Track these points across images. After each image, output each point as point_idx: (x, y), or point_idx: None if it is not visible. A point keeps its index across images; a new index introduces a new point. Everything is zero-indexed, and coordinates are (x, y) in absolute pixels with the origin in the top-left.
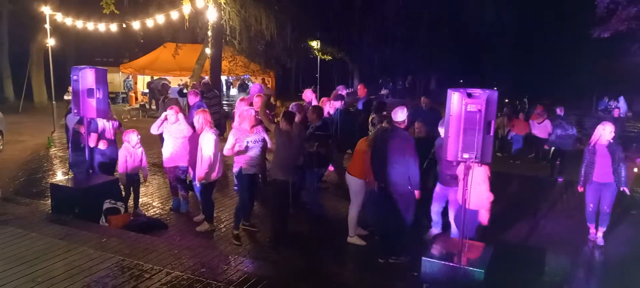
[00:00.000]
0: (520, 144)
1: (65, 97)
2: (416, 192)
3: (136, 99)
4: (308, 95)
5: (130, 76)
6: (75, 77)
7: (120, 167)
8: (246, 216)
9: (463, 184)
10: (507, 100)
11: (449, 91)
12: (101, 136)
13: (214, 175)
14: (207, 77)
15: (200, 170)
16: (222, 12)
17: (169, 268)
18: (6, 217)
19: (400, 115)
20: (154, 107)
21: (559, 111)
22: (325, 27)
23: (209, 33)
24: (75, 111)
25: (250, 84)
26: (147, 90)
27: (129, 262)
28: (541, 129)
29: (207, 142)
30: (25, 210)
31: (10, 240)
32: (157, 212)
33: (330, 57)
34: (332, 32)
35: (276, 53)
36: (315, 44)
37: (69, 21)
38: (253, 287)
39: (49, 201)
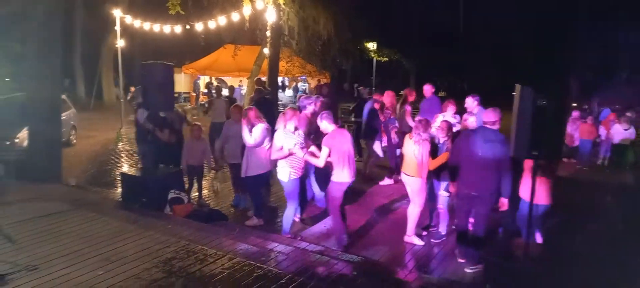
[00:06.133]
0: (588, 149)
1: (129, 97)
2: (504, 201)
3: (197, 98)
4: (388, 97)
5: (200, 77)
6: (145, 73)
7: (184, 159)
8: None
9: (530, 182)
10: (575, 105)
11: (518, 85)
12: (167, 130)
13: (262, 170)
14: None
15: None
16: (281, 12)
17: (231, 254)
18: (81, 202)
19: (492, 115)
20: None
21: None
22: (383, 28)
23: (268, 34)
24: (144, 106)
25: (305, 86)
26: (207, 90)
27: (194, 247)
28: (619, 133)
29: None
30: (97, 197)
31: (86, 222)
32: (218, 205)
33: (386, 59)
34: (390, 33)
35: (333, 54)
36: (371, 45)
37: (137, 23)
38: (311, 279)
39: (118, 190)
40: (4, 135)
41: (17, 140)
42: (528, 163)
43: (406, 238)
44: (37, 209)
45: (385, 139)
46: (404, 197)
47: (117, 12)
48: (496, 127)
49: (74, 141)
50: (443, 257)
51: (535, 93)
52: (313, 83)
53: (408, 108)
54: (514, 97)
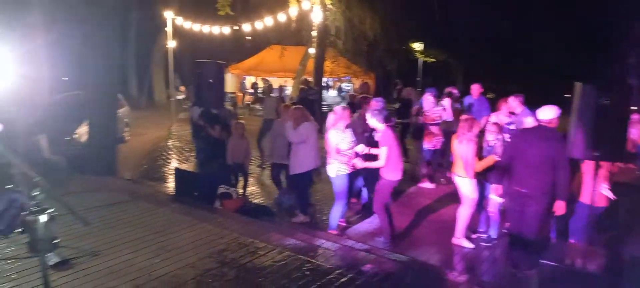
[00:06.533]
0: None
1: (178, 97)
2: (561, 204)
3: (243, 98)
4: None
5: (246, 77)
6: (198, 71)
7: (229, 156)
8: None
9: (591, 184)
10: (635, 108)
11: (578, 84)
12: (219, 126)
13: (308, 167)
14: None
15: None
16: (327, 12)
17: (280, 248)
18: (137, 195)
19: (548, 113)
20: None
21: None
22: (431, 28)
23: (314, 34)
24: (197, 103)
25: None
26: (252, 90)
27: (244, 240)
28: None
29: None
30: (152, 190)
31: (143, 213)
32: (264, 201)
33: (433, 59)
34: (437, 33)
35: (378, 54)
36: (418, 45)
37: (187, 24)
38: (359, 276)
39: (170, 184)
40: (65, 130)
41: (76, 136)
42: (587, 165)
43: (454, 241)
44: (97, 199)
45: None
46: (449, 199)
47: (168, 14)
48: (553, 125)
49: (128, 138)
50: (493, 261)
51: (598, 91)
52: (357, 83)
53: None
54: (574, 96)
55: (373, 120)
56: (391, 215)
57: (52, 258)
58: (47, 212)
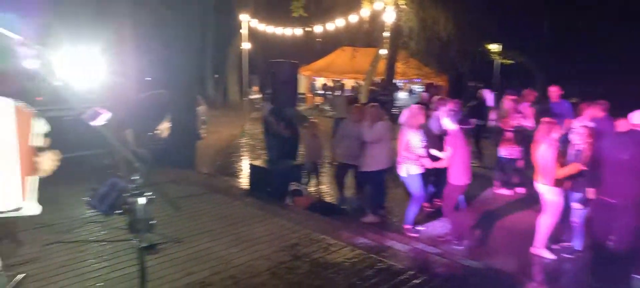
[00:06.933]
0: None
1: (251, 96)
2: None
3: (313, 99)
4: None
5: (316, 79)
6: (272, 70)
7: (305, 155)
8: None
9: None
10: None
11: None
12: (289, 125)
13: (381, 166)
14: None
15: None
16: (400, 13)
17: (352, 246)
18: (213, 188)
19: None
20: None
21: None
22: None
23: (385, 35)
24: (269, 100)
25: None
26: (322, 92)
27: (316, 236)
28: None
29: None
30: (226, 184)
31: (219, 205)
32: (334, 200)
33: (511, 61)
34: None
35: (451, 56)
36: (494, 46)
37: (261, 27)
38: (432, 279)
39: (243, 179)
40: (148, 126)
41: (158, 132)
42: None
43: (533, 250)
44: (177, 191)
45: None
46: (527, 206)
47: (244, 17)
48: None
49: (204, 135)
50: (576, 274)
51: None
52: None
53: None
54: None
55: (447, 121)
56: (462, 219)
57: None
58: (145, 195)
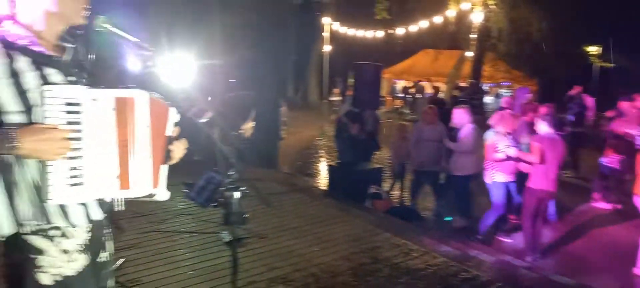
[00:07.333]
0: None
1: (332, 98)
2: None
3: (393, 102)
4: None
5: (396, 81)
6: (356, 72)
7: (392, 158)
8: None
9: None
10: None
11: None
12: (365, 127)
13: (468, 171)
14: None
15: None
16: (489, 13)
17: (435, 253)
18: (294, 187)
19: None
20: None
21: None
22: (611, 29)
23: (472, 36)
24: (350, 102)
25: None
26: (403, 95)
27: (398, 240)
28: None
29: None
30: (306, 184)
31: (300, 204)
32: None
33: (612, 64)
34: (619, 34)
35: (544, 59)
36: (593, 49)
37: (342, 29)
38: None
39: (322, 180)
40: (233, 125)
41: (241, 131)
42: None
43: (636, 271)
44: (262, 188)
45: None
46: (629, 222)
47: (326, 19)
48: None
49: (284, 135)
50: None
51: None
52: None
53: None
54: None
55: (541, 126)
56: (541, 228)
57: (227, 236)
58: (240, 189)
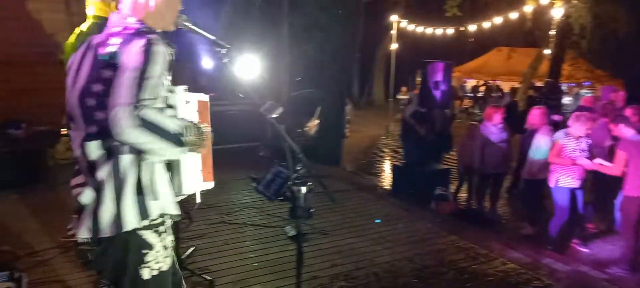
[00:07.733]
0: None
1: (399, 97)
2: None
3: (461, 101)
4: None
5: (466, 80)
6: (426, 71)
7: (459, 157)
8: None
9: None
10: None
11: None
12: (434, 127)
13: (539, 176)
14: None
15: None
16: (571, 8)
17: (504, 260)
18: (358, 185)
19: None
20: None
21: None
22: None
23: (551, 33)
24: (419, 102)
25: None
26: (472, 94)
27: (464, 244)
28: None
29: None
30: (370, 183)
31: (364, 203)
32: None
33: None
34: None
35: (631, 57)
36: None
37: (411, 27)
38: None
39: (386, 179)
40: (297, 123)
41: (306, 129)
42: None
43: None
44: (326, 185)
45: None
46: None
47: (394, 17)
48: None
49: (348, 134)
50: None
51: None
52: (599, 90)
53: None
54: None
55: (624, 128)
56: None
57: (290, 231)
58: (307, 184)
